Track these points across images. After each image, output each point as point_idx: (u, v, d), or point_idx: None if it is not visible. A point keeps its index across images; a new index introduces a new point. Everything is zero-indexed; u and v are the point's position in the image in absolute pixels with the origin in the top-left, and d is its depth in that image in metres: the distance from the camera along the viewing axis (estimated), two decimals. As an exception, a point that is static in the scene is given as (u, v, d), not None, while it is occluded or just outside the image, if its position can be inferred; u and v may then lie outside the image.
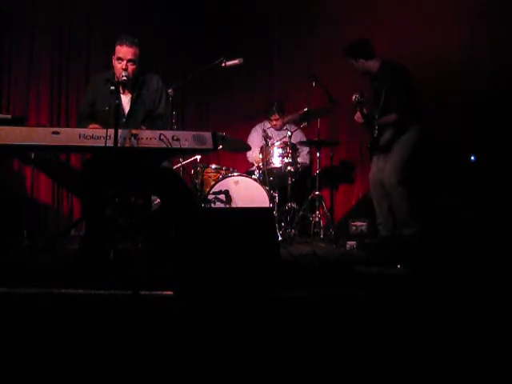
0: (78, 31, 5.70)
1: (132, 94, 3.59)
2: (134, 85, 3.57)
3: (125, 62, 3.43)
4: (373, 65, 4.40)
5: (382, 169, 4.41)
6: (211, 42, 5.70)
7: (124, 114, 3.53)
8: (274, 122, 5.44)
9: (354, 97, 4.32)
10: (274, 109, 5.38)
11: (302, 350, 1.91)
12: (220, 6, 5.80)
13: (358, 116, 4.42)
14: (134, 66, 3.48)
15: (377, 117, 4.34)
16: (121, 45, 3.45)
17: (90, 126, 3.28)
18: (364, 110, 4.35)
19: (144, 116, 3.56)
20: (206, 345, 1.93)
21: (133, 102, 3.57)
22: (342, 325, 2.15)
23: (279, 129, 5.44)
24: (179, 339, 2.00)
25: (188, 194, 3.85)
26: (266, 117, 5.51)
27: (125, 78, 3.32)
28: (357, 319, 2.19)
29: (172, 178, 3.61)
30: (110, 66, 3.60)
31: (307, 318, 2.21)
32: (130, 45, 3.44)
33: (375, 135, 4.35)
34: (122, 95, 3.46)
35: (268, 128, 5.43)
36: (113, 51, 3.51)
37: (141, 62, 3.54)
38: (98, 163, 3.30)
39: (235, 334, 2.03)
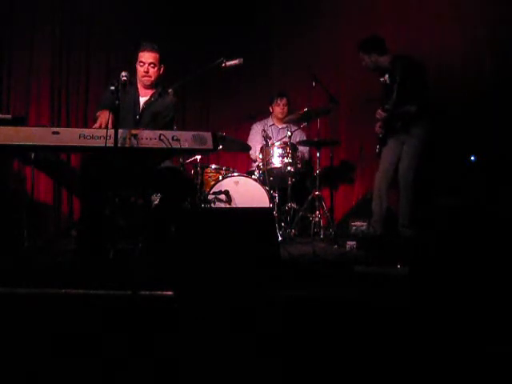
0: (77, 31, 5.70)
1: (149, 98, 3.70)
2: (153, 91, 3.71)
3: (146, 66, 3.64)
4: (384, 60, 4.47)
5: (393, 163, 4.45)
6: (211, 42, 5.70)
7: (139, 112, 3.65)
8: (282, 108, 5.40)
9: (382, 79, 4.47)
10: (280, 94, 5.40)
11: (302, 350, 1.91)
12: (220, 6, 5.81)
13: (379, 112, 4.45)
14: (155, 69, 3.66)
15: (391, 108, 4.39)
16: (143, 51, 3.67)
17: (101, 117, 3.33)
18: (386, 106, 4.39)
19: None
20: (205, 345, 1.93)
21: (146, 106, 3.68)
22: (341, 325, 2.15)
23: (284, 120, 5.36)
24: (179, 339, 2.00)
25: (190, 188, 3.88)
26: (270, 109, 5.51)
27: (125, 78, 3.30)
28: (357, 319, 2.19)
29: (174, 174, 3.62)
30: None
31: (307, 318, 2.21)
32: (151, 50, 3.65)
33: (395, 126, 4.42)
34: (140, 96, 3.68)
35: (270, 126, 5.43)
36: (135, 59, 3.71)
37: (162, 68, 3.72)
38: (97, 163, 3.30)
39: (235, 334, 2.03)
